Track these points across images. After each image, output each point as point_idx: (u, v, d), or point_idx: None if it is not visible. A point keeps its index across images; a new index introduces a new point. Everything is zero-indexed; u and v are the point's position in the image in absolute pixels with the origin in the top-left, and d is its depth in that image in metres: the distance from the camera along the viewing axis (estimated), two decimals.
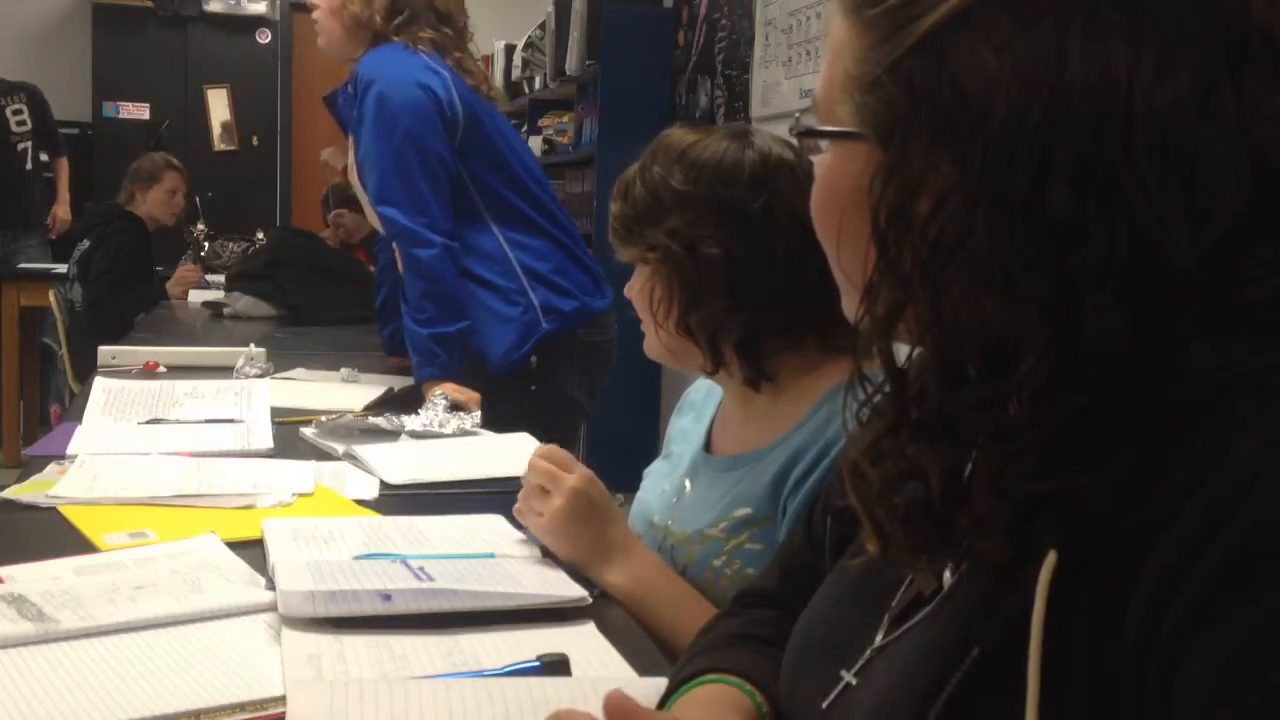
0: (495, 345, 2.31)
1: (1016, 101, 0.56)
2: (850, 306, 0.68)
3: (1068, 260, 0.56)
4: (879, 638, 0.70)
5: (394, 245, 2.56)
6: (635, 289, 1.34)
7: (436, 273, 2.22)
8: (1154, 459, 0.54)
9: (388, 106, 2.23)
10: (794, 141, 1.34)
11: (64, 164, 6.02)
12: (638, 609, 1.20)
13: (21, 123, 5.76)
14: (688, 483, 1.36)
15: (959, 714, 0.59)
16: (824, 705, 0.72)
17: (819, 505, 0.94)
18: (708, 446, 1.39)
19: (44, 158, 5.92)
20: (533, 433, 1.81)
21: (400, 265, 2.42)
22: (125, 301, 4.10)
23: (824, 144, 0.68)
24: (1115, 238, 0.56)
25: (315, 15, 2.34)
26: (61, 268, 4.84)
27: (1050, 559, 0.56)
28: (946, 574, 0.67)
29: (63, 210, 5.90)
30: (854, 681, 0.71)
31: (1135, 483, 0.54)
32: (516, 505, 1.32)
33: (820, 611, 0.81)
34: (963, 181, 0.58)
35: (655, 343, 1.34)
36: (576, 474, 1.27)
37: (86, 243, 4.42)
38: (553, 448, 1.32)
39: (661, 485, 1.41)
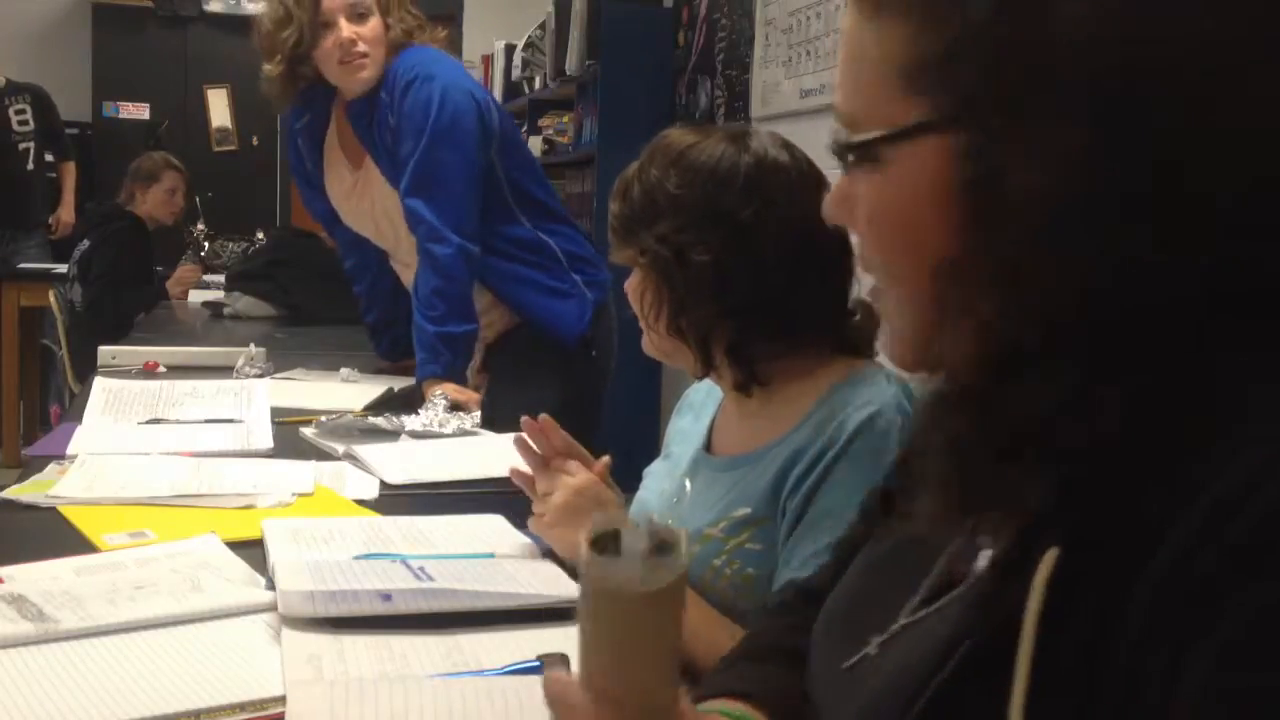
0: (566, 319, 2.41)
1: (1108, 52, 0.54)
2: (914, 318, 0.65)
3: (1197, 248, 0.54)
4: (903, 616, 0.70)
5: (381, 253, 2.58)
6: (631, 288, 1.35)
7: (451, 271, 2.23)
8: (1168, 462, 0.53)
9: (439, 101, 2.24)
10: (792, 142, 1.34)
11: (71, 167, 6.02)
12: None
13: (24, 123, 5.76)
14: (687, 482, 1.36)
15: (942, 709, 0.58)
16: (844, 666, 0.72)
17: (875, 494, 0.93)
18: (708, 446, 1.39)
19: (48, 158, 5.92)
20: (593, 400, 1.82)
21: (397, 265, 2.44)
22: (126, 301, 4.10)
23: (880, 156, 0.64)
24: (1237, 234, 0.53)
25: (361, 47, 2.28)
26: (61, 268, 4.84)
27: (1051, 556, 0.55)
28: (982, 558, 0.66)
29: (66, 214, 5.89)
30: (874, 652, 0.70)
31: (1150, 482, 0.53)
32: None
33: (853, 579, 0.80)
34: (1058, 146, 0.55)
35: (649, 342, 1.35)
36: (580, 476, 1.29)
37: (87, 243, 4.42)
38: (570, 443, 1.34)
39: (661, 485, 1.42)
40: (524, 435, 1.37)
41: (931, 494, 0.62)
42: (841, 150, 0.66)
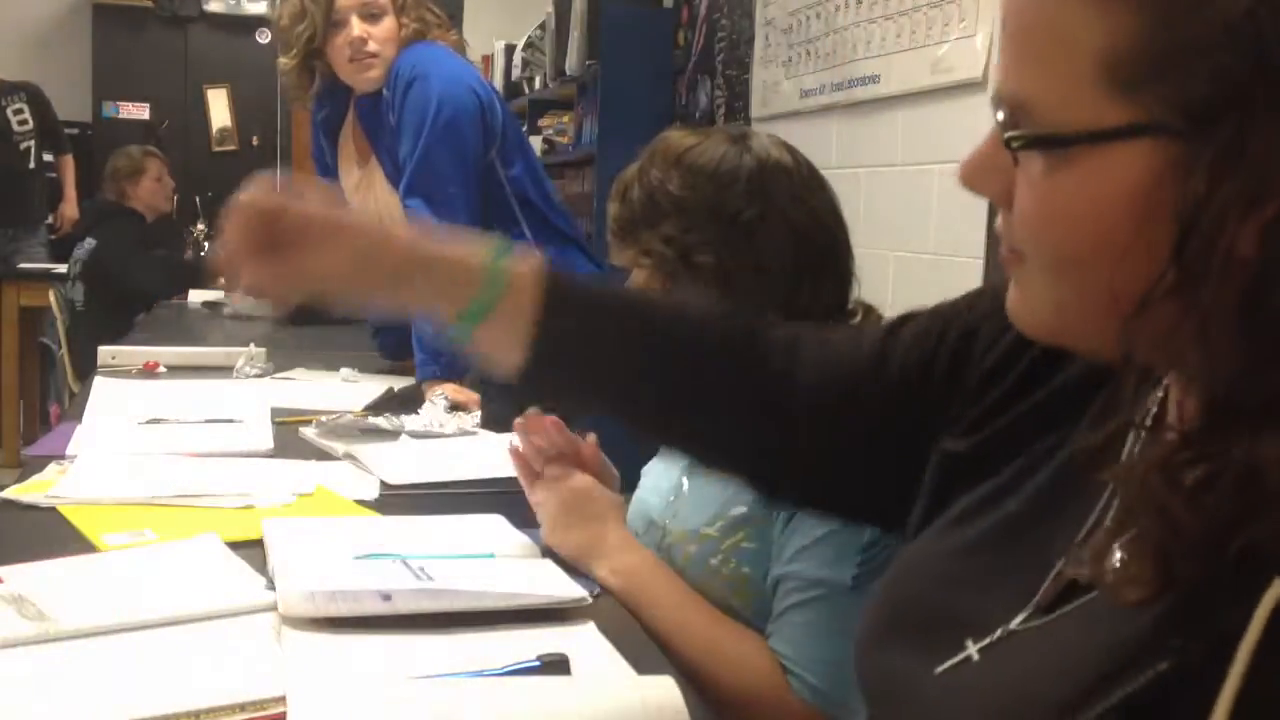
0: None
1: None
2: (1100, 337, 0.60)
3: None
4: (1017, 620, 0.65)
5: None
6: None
7: None
8: None
9: (438, 101, 2.24)
10: (790, 143, 1.34)
11: (69, 161, 6.04)
12: (631, 605, 1.22)
13: (23, 122, 5.77)
14: (685, 481, 1.36)
15: None
16: (937, 671, 0.68)
17: (910, 352, 0.84)
18: None
19: (47, 158, 5.93)
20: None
21: None
22: (139, 295, 4.10)
23: (1069, 153, 0.57)
24: None
25: (372, 47, 2.29)
26: (62, 268, 4.84)
27: (1277, 587, 0.51)
28: (1113, 562, 0.62)
29: (69, 208, 5.91)
30: (977, 657, 0.66)
31: None
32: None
33: (934, 566, 0.75)
34: None
35: None
36: (574, 478, 1.32)
37: (90, 241, 4.41)
38: (570, 440, 1.37)
39: (660, 484, 1.42)
40: (515, 445, 1.37)
41: (1148, 564, 0.56)
42: (1017, 140, 0.60)
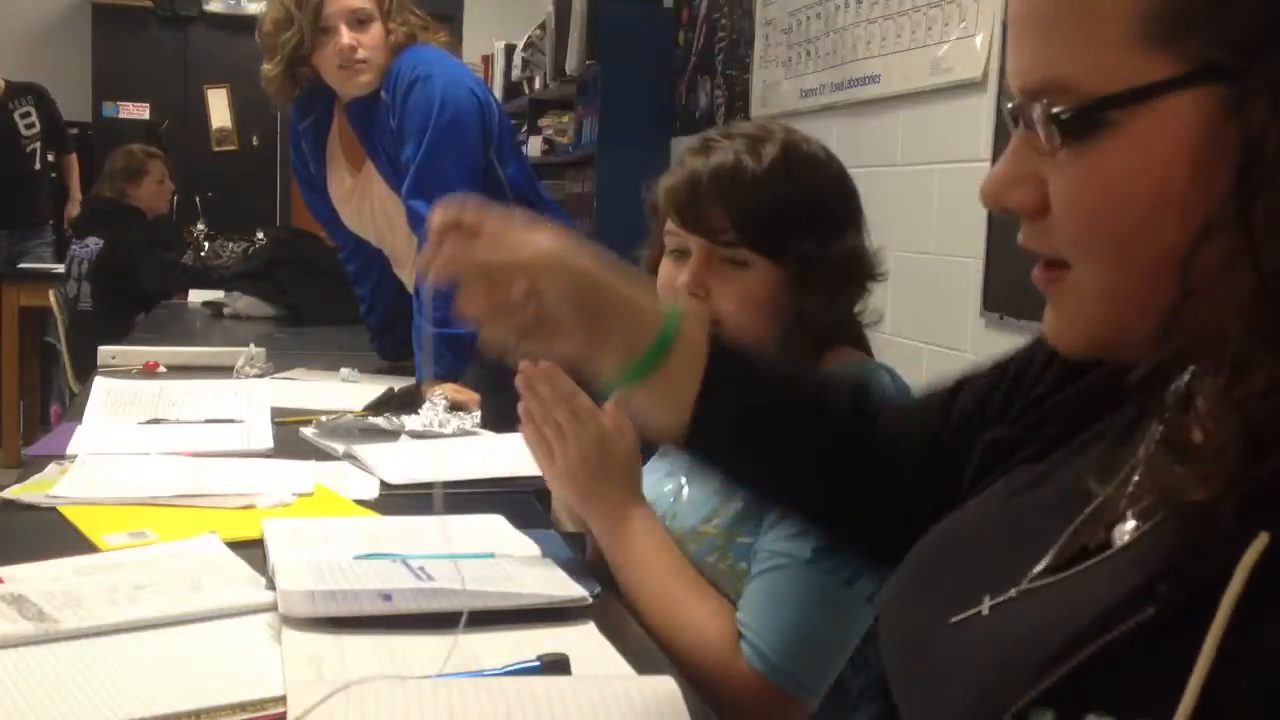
0: None
1: None
2: (1145, 323, 0.59)
3: None
4: (1025, 581, 0.67)
5: (380, 254, 2.58)
6: (738, 294, 1.27)
7: None
8: None
9: (441, 101, 2.23)
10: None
11: (73, 161, 6.07)
12: (610, 559, 1.26)
13: (30, 125, 5.78)
14: (684, 480, 1.36)
15: (1107, 671, 0.56)
16: (951, 621, 0.69)
17: (968, 399, 0.90)
18: None
19: (50, 158, 5.94)
20: None
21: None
22: (151, 294, 4.10)
23: (1115, 120, 0.57)
24: None
25: (361, 54, 2.28)
26: (62, 268, 4.84)
27: (1261, 541, 0.52)
28: (1124, 529, 0.63)
29: (75, 209, 5.92)
30: (986, 612, 0.67)
31: None
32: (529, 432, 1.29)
33: (969, 526, 0.78)
34: None
35: None
36: (597, 426, 1.25)
37: (96, 241, 4.39)
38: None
39: (660, 486, 1.42)
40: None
41: (1206, 460, 0.56)
42: (1056, 117, 0.59)
